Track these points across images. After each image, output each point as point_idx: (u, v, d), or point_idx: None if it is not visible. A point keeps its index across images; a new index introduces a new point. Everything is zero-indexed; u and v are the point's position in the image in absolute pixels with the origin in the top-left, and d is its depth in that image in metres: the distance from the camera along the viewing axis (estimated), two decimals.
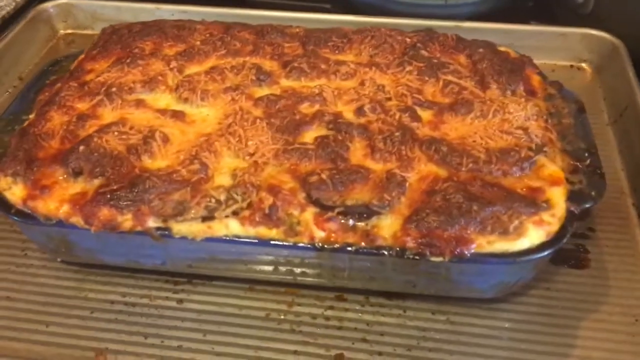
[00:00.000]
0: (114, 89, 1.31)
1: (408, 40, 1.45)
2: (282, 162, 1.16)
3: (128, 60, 1.39)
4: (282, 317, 1.20)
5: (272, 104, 1.28)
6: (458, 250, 1.04)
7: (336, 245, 1.07)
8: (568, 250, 1.28)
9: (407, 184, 1.11)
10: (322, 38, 1.46)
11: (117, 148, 1.18)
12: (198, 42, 1.46)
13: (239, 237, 1.09)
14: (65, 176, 1.16)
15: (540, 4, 1.99)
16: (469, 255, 1.04)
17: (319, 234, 1.07)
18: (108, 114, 1.27)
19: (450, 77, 1.32)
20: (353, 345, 1.15)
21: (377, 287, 1.20)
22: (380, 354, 1.14)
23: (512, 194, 1.08)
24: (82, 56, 1.47)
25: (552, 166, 1.15)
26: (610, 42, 1.69)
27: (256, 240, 1.08)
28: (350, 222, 1.08)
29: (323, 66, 1.38)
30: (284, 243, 1.08)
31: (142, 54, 1.43)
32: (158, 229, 1.10)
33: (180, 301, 1.22)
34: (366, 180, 1.12)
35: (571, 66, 1.77)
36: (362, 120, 1.24)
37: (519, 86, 1.32)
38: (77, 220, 1.11)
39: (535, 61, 1.69)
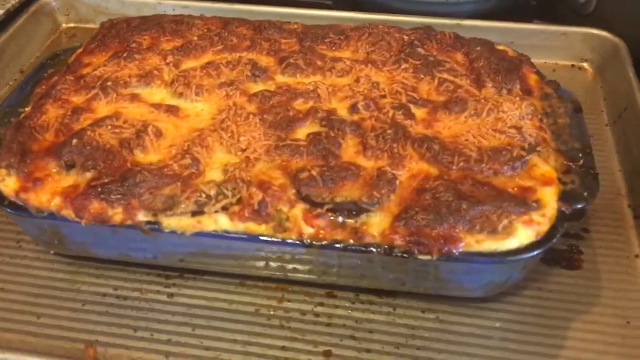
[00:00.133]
0: (109, 83, 1.31)
1: (405, 37, 1.44)
2: (273, 158, 1.16)
3: (125, 55, 1.40)
4: (271, 312, 1.20)
5: (266, 99, 1.28)
6: (446, 248, 1.03)
7: (324, 242, 1.07)
8: (561, 251, 1.28)
9: (398, 182, 1.11)
10: (319, 34, 1.46)
11: (110, 142, 1.18)
12: (195, 37, 1.47)
13: (228, 232, 1.09)
14: (58, 169, 1.16)
15: (543, 3, 1.98)
16: (457, 254, 1.04)
17: (308, 231, 1.07)
18: (103, 108, 1.28)
19: (445, 75, 1.32)
20: (341, 342, 1.15)
21: (367, 285, 1.20)
22: (368, 351, 1.14)
23: (502, 193, 1.08)
24: (80, 50, 1.48)
25: (545, 166, 1.14)
26: (611, 42, 1.67)
27: (244, 236, 1.08)
28: (339, 219, 1.08)
29: (319, 63, 1.37)
30: (272, 239, 1.08)
31: (140, 48, 1.43)
32: (148, 223, 1.10)
33: (171, 295, 1.23)
34: (356, 177, 1.11)
35: (572, 66, 1.76)
36: (356, 117, 1.24)
37: (515, 85, 1.32)
38: (68, 213, 1.11)
39: (536, 60, 1.68)
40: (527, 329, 1.17)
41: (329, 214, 1.08)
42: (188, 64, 1.39)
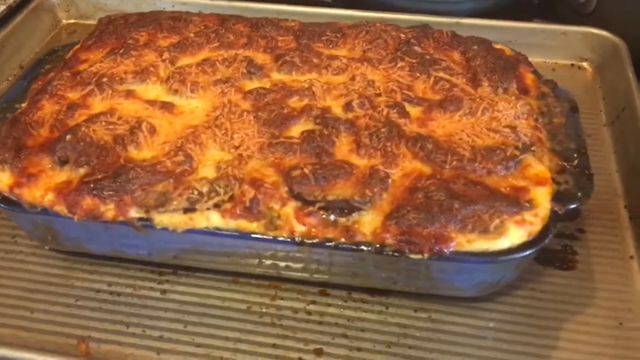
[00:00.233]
0: (105, 79, 1.31)
1: (402, 36, 1.44)
2: (266, 155, 1.16)
3: (121, 51, 1.40)
4: (263, 310, 1.20)
5: (261, 97, 1.27)
6: (437, 248, 1.03)
7: (316, 240, 1.07)
8: (555, 251, 1.27)
9: (390, 181, 1.11)
10: (316, 32, 1.46)
11: (104, 138, 1.18)
12: (192, 34, 1.46)
13: (219, 229, 1.09)
14: (51, 165, 1.16)
15: (544, 2, 1.97)
16: (448, 253, 1.03)
17: (299, 229, 1.07)
18: (98, 104, 1.28)
19: (441, 74, 1.31)
20: (333, 340, 1.15)
21: (359, 283, 1.19)
22: (359, 349, 1.14)
23: (494, 193, 1.07)
24: (78, 46, 1.48)
25: (539, 166, 1.14)
26: (611, 42, 1.66)
27: (236, 233, 1.08)
28: (331, 217, 1.07)
29: (315, 60, 1.37)
30: (263, 236, 1.08)
31: (136, 44, 1.43)
32: (140, 219, 1.10)
33: (164, 292, 1.23)
34: (349, 175, 1.11)
35: (572, 65, 1.75)
36: (350, 115, 1.23)
37: (512, 84, 1.31)
38: (60, 208, 1.11)
39: (536, 59, 1.69)
40: (519, 329, 1.16)
41: (321, 212, 1.08)
42: (184, 60, 1.39)
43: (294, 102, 1.27)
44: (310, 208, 1.08)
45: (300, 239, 1.07)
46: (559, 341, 1.14)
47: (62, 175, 1.15)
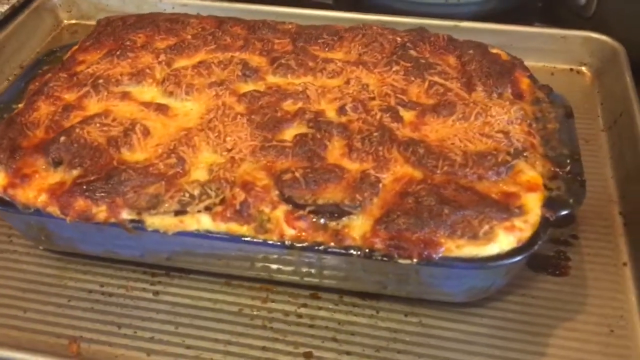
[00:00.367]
0: (100, 81, 1.32)
1: (399, 39, 1.44)
2: (258, 158, 1.16)
3: (118, 53, 1.40)
4: (254, 312, 1.20)
5: (255, 100, 1.28)
6: (426, 253, 1.03)
7: (305, 244, 1.07)
8: (548, 257, 1.27)
9: (381, 185, 1.11)
10: (313, 35, 1.46)
11: (98, 139, 1.19)
12: (189, 36, 1.47)
13: (210, 232, 1.09)
14: (46, 166, 1.17)
15: (545, 5, 1.96)
16: (437, 258, 1.03)
17: (289, 232, 1.07)
18: (93, 106, 1.29)
19: (436, 78, 1.31)
20: (322, 344, 1.15)
21: (350, 287, 1.20)
22: (348, 353, 1.14)
23: (484, 199, 1.07)
24: (76, 47, 1.49)
25: (531, 171, 1.13)
26: (610, 47, 1.66)
27: (226, 236, 1.09)
28: (321, 221, 1.07)
29: (310, 63, 1.37)
30: (253, 240, 1.08)
31: (133, 46, 1.44)
32: (132, 221, 1.11)
33: (156, 293, 1.24)
34: (340, 179, 1.11)
35: (571, 69, 1.74)
36: (343, 119, 1.23)
37: (507, 89, 1.31)
38: (53, 209, 1.12)
39: (535, 63, 1.69)
40: (510, 335, 1.16)
41: (311, 216, 1.08)
42: (180, 62, 1.40)
43: (288, 105, 1.27)
44: (301, 212, 1.08)
45: (290, 242, 1.07)
46: (549, 348, 1.14)
47: (55, 177, 1.16)
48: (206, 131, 1.21)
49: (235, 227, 1.09)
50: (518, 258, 1.03)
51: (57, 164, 1.17)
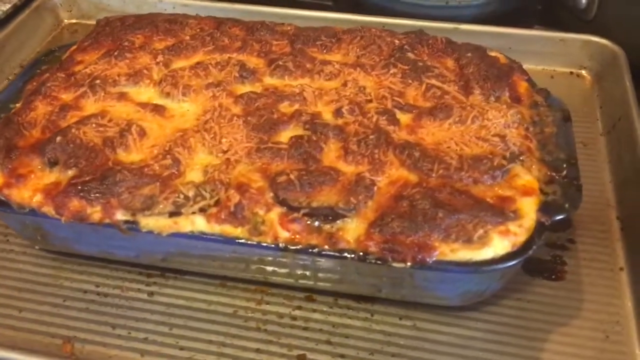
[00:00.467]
0: (98, 81, 1.32)
1: (397, 42, 1.43)
2: (254, 160, 1.16)
3: (116, 53, 1.40)
4: (249, 314, 1.20)
5: (252, 101, 1.28)
6: (420, 256, 1.03)
7: (299, 247, 1.07)
8: (544, 261, 1.27)
9: (376, 188, 1.10)
10: (311, 37, 1.46)
11: (94, 140, 1.19)
12: (187, 37, 1.47)
13: (204, 234, 1.09)
14: (41, 166, 1.17)
15: (546, 8, 1.96)
16: (430, 262, 1.03)
17: (283, 234, 1.07)
18: (90, 106, 1.29)
19: (433, 81, 1.31)
20: (316, 346, 1.15)
21: (345, 290, 1.19)
22: (342, 356, 1.13)
23: (479, 203, 1.07)
24: (74, 47, 1.49)
25: (527, 176, 1.13)
26: (610, 50, 1.65)
27: (219, 238, 1.09)
28: (315, 223, 1.07)
29: (308, 65, 1.37)
30: (247, 242, 1.08)
31: (131, 47, 1.44)
32: (126, 222, 1.11)
33: (151, 294, 1.24)
34: (335, 182, 1.11)
35: (571, 73, 1.73)
36: (340, 121, 1.23)
37: (504, 92, 1.30)
38: (48, 210, 1.12)
39: (534, 67, 1.69)
40: (505, 339, 1.16)
41: (305, 219, 1.08)
42: (178, 63, 1.40)
43: (285, 107, 1.27)
44: (295, 214, 1.08)
45: (283, 245, 1.07)
46: (544, 353, 1.13)
47: (51, 177, 1.16)
48: (202, 132, 1.20)
49: (229, 229, 1.09)
50: (512, 263, 1.03)
51: (52, 164, 1.17)
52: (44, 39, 1.92)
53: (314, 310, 1.20)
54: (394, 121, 1.23)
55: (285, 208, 1.09)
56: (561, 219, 1.09)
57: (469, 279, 1.08)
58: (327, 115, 1.26)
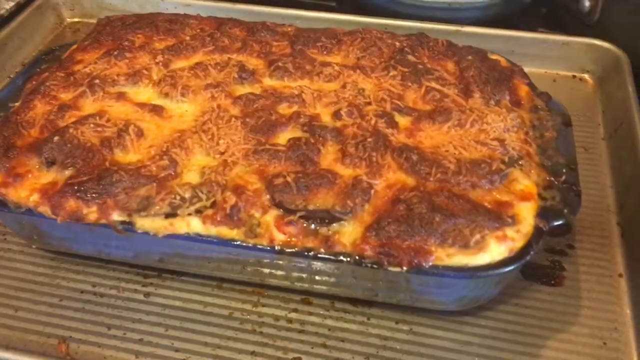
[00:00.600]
0: (97, 81, 1.32)
1: (397, 44, 1.43)
2: (251, 162, 1.15)
3: (116, 53, 1.40)
4: (245, 316, 1.20)
5: (250, 103, 1.27)
6: (416, 261, 1.02)
7: (295, 249, 1.06)
8: (543, 267, 1.26)
9: (373, 191, 1.10)
10: (311, 38, 1.45)
11: (91, 140, 1.19)
12: (188, 37, 1.47)
13: (199, 235, 1.09)
14: (39, 165, 1.17)
15: (550, 11, 1.95)
16: (427, 267, 1.02)
17: (279, 237, 1.07)
18: (89, 106, 1.29)
19: (433, 84, 1.30)
20: (312, 349, 1.15)
21: (341, 293, 1.19)
22: None
23: (477, 207, 1.06)
24: (75, 46, 1.49)
25: (526, 180, 1.12)
26: (613, 54, 1.64)
27: (214, 240, 1.08)
28: (312, 226, 1.07)
29: (308, 67, 1.37)
30: (242, 244, 1.07)
31: (131, 46, 1.44)
32: (122, 222, 1.10)
33: (147, 294, 1.24)
34: (332, 185, 1.11)
35: (573, 76, 1.72)
36: (338, 123, 1.23)
37: (505, 96, 1.30)
38: (44, 209, 1.12)
39: (537, 70, 1.68)
40: (501, 345, 1.15)
41: (302, 221, 1.07)
42: (178, 64, 1.40)
43: (283, 108, 1.27)
44: (291, 217, 1.07)
45: (279, 247, 1.06)
46: (540, 359, 1.13)
47: (48, 177, 1.16)
48: (200, 133, 1.20)
49: (225, 231, 1.08)
50: (509, 268, 1.02)
51: (50, 164, 1.17)
52: (46, 38, 1.92)
53: (311, 313, 1.20)
54: (393, 124, 1.22)
55: (281, 210, 1.08)
56: (560, 224, 1.08)
57: (465, 284, 1.07)
58: (326, 118, 1.25)
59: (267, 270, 1.15)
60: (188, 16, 1.57)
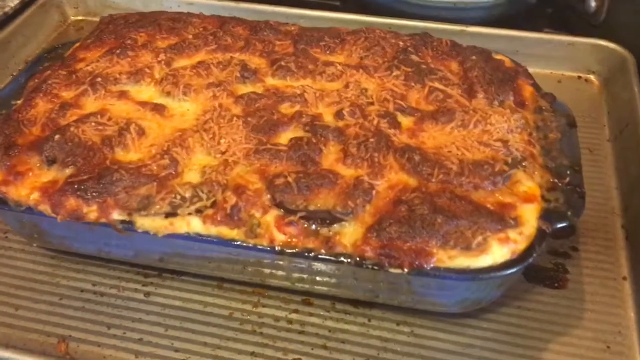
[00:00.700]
0: (99, 79, 1.32)
1: (401, 43, 1.42)
2: (252, 162, 1.15)
3: (118, 51, 1.40)
4: (245, 317, 1.19)
5: (252, 102, 1.27)
6: (417, 263, 1.01)
7: (295, 250, 1.05)
8: (546, 269, 1.25)
9: (374, 192, 1.09)
10: (314, 37, 1.44)
11: (92, 139, 1.18)
12: (190, 36, 1.46)
13: (199, 235, 1.08)
14: (40, 164, 1.17)
15: (555, 12, 1.93)
16: (428, 268, 1.01)
17: (279, 237, 1.06)
18: (90, 104, 1.28)
19: (436, 84, 1.29)
20: (312, 350, 1.14)
21: (342, 294, 1.18)
22: None
23: (479, 209, 1.05)
24: (77, 44, 1.49)
25: (529, 182, 1.11)
26: (619, 55, 1.62)
27: (214, 239, 1.07)
28: (312, 227, 1.06)
29: (310, 66, 1.36)
30: (242, 244, 1.07)
31: (134, 45, 1.43)
32: (122, 222, 1.10)
33: (147, 294, 1.23)
34: (333, 185, 1.10)
35: (579, 77, 1.70)
36: (340, 123, 1.22)
37: (509, 97, 1.28)
38: (45, 208, 1.12)
39: (542, 70, 1.67)
40: (503, 347, 1.14)
41: (302, 222, 1.06)
42: (180, 62, 1.39)
43: (285, 108, 1.26)
44: (291, 217, 1.07)
45: (279, 248, 1.06)
46: None
47: (49, 175, 1.16)
48: (201, 132, 1.19)
49: (225, 231, 1.08)
50: (511, 271, 1.01)
51: (50, 162, 1.17)
52: (49, 36, 1.91)
53: (311, 314, 1.19)
54: (395, 124, 1.21)
55: (282, 211, 1.08)
56: (563, 226, 1.07)
57: (466, 287, 1.06)
58: (328, 117, 1.24)
59: (267, 271, 1.15)
60: (191, 15, 1.56)
